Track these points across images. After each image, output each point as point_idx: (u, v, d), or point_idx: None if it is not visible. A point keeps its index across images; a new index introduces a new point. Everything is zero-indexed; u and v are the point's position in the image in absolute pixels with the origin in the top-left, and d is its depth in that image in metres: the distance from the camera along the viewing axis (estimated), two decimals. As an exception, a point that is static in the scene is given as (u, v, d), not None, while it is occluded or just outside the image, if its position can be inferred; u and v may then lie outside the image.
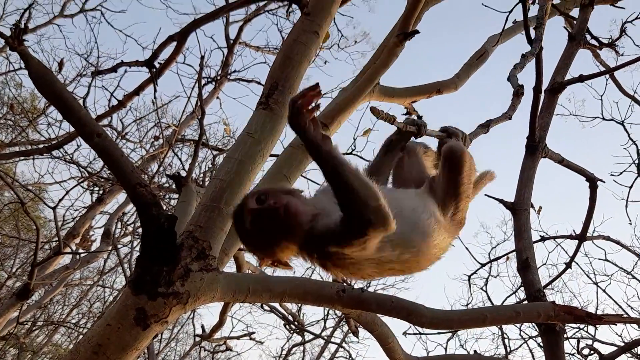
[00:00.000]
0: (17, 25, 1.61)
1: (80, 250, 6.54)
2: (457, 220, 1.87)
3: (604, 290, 7.68)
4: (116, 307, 1.66)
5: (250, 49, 8.75)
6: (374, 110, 1.77)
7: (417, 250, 1.65)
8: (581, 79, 2.57)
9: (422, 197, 1.76)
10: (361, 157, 5.82)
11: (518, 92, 2.70)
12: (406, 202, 1.67)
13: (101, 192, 7.02)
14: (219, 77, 7.08)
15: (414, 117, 1.97)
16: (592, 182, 2.62)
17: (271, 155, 2.26)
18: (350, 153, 5.60)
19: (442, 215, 1.78)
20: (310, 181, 5.10)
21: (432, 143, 2.22)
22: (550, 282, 3.36)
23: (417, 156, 2.00)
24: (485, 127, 2.39)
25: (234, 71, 7.59)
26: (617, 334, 7.89)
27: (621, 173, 5.32)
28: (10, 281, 9.00)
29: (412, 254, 1.65)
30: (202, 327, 4.08)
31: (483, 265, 3.90)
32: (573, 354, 5.77)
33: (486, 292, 6.76)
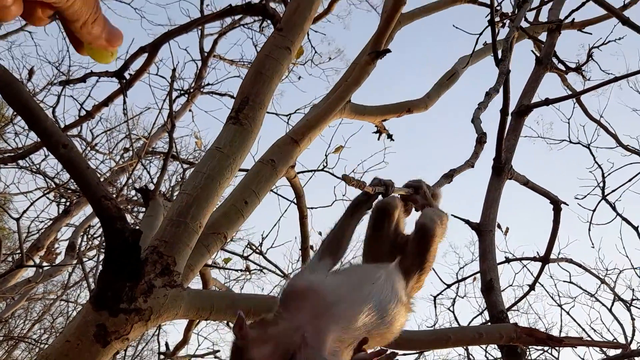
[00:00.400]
0: (-17, 33, 1.58)
1: (44, 264, 6.40)
2: (416, 287, 1.89)
3: (567, 313, 7.79)
4: (76, 322, 1.62)
5: (225, 62, 8.73)
6: (345, 178, 1.79)
7: (381, 337, 1.63)
8: (547, 102, 2.62)
9: (390, 275, 1.74)
10: (332, 174, 5.83)
11: (481, 140, 2.71)
12: (356, 276, 1.66)
13: (67, 204, 6.90)
14: (191, 90, 7.05)
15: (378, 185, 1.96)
16: (556, 204, 2.66)
17: (240, 170, 2.25)
18: (322, 170, 5.60)
19: (405, 290, 1.78)
20: (280, 196, 5.10)
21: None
22: (515, 304, 3.39)
23: (390, 222, 2.00)
24: (448, 177, 2.42)
25: (208, 84, 7.57)
26: (579, 357, 7.99)
27: (585, 196, 5.41)
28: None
29: (376, 341, 1.62)
30: (167, 344, 4.01)
31: (449, 285, 3.91)
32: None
33: (453, 312, 6.79)
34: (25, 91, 1.66)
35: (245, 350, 1.32)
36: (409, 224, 2.06)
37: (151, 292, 1.62)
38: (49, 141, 1.63)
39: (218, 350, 4.55)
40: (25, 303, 9.14)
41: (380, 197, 1.95)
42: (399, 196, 2.06)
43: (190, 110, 7.64)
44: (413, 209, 2.12)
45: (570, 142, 6.96)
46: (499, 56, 2.38)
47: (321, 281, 1.59)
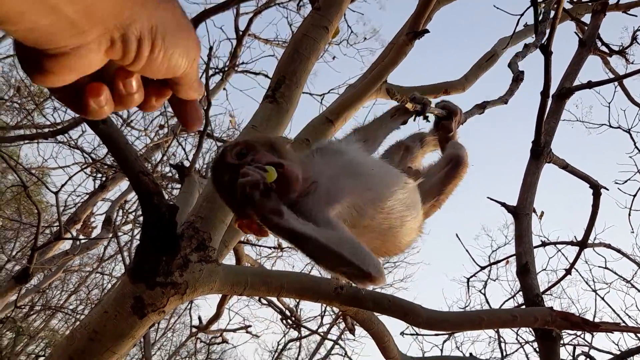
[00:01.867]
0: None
1: (81, 237, 6.54)
2: (426, 214, 1.88)
3: (602, 298, 7.69)
4: (114, 294, 1.66)
5: (259, 41, 8.73)
6: (389, 91, 1.77)
7: (397, 219, 1.59)
8: (589, 85, 2.55)
9: (414, 188, 1.74)
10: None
11: (518, 77, 2.70)
12: (390, 177, 1.64)
13: (104, 178, 7.02)
14: (226, 68, 7.07)
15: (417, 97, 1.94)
16: (596, 189, 2.60)
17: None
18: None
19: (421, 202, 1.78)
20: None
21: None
22: (549, 288, 3.34)
23: (408, 154, 1.99)
24: (481, 107, 2.40)
25: (242, 63, 7.59)
26: (613, 342, 7.89)
27: (625, 181, 5.30)
28: (10, 264, 9.03)
29: (393, 226, 1.58)
30: (199, 318, 4.09)
31: (482, 268, 3.88)
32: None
33: (484, 295, 6.76)
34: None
35: (284, 160, 1.38)
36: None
37: (187, 267, 1.65)
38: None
39: (249, 326, 4.61)
40: (62, 274, 9.38)
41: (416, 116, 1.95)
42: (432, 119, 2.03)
43: (224, 89, 7.68)
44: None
45: (610, 126, 6.81)
46: (542, 30, 2.33)
47: (357, 152, 1.62)
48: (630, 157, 5.86)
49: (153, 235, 1.63)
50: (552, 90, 2.44)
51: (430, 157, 2.12)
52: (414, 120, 2.00)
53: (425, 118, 2.82)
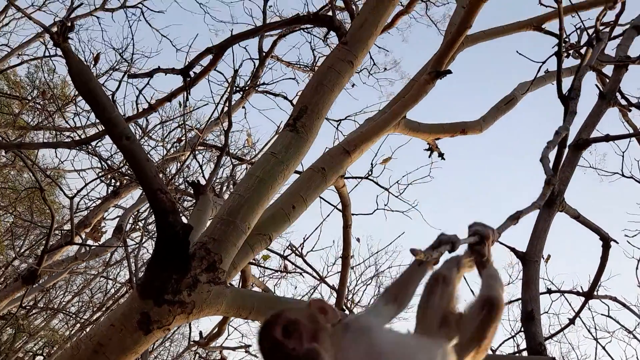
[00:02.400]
0: (64, 23, 1.66)
1: (90, 242, 6.58)
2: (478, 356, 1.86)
3: (603, 347, 7.57)
4: (121, 309, 1.68)
5: (281, 63, 8.82)
6: (413, 251, 1.76)
7: None
8: (607, 139, 2.57)
9: (445, 356, 1.73)
10: (377, 184, 5.83)
11: (550, 181, 2.64)
12: (415, 347, 1.65)
13: (117, 185, 7.08)
14: (247, 88, 7.14)
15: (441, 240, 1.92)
16: (606, 241, 2.60)
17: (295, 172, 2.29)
18: (367, 177, 5.61)
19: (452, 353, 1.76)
20: (323, 200, 5.14)
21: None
22: (552, 336, 3.32)
23: (447, 287, 1.96)
24: (514, 218, 2.35)
25: (263, 83, 7.65)
26: (613, 394, 7.77)
27: (635, 235, 5.25)
28: (17, 261, 9.09)
29: None
30: (200, 333, 4.09)
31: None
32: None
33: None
34: (95, 81, 1.74)
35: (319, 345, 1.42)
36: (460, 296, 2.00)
37: (196, 287, 1.67)
38: (113, 131, 1.70)
39: (250, 346, 4.60)
40: (66, 275, 9.41)
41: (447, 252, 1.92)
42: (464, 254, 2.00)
43: (243, 107, 7.74)
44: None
45: (623, 175, 6.78)
46: (567, 92, 2.34)
47: (382, 335, 1.62)
48: (642, 207, 5.81)
49: (165, 253, 1.65)
50: (570, 140, 2.46)
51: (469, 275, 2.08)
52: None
53: (440, 155, 2.84)
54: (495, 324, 1.79)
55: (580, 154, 2.66)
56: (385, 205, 5.97)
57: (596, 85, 2.93)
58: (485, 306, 1.78)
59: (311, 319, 1.52)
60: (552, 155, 2.39)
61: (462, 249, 1.98)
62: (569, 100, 2.27)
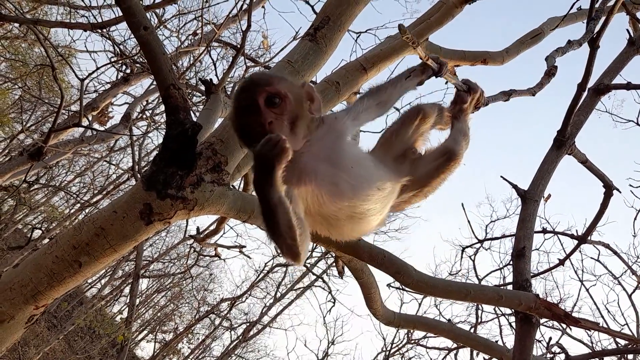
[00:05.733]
0: None
1: (97, 126, 6.61)
2: (402, 205, 1.86)
3: (587, 290, 7.79)
4: (125, 197, 1.71)
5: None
6: (401, 28, 1.70)
7: (353, 217, 1.62)
8: (628, 87, 2.52)
9: (393, 191, 1.72)
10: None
11: (550, 71, 2.64)
12: (364, 179, 1.63)
13: (128, 72, 7.02)
14: (269, -13, 6.94)
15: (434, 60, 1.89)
16: (609, 189, 2.61)
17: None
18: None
19: (398, 192, 1.76)
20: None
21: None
22: (540, 274, 3.41)
23: (422, 124, 1.94)
24: (507, 95, 2.35)
25: (286, -16, 7.42)
26: (587, 334, 8.05)
27: (639, 186, 5.27)
28: (22, 136, 9.15)
29: (344, 220, 1.62)
30: (197, 229, 4.19)
31: (480, 241, 3.94)
32: (541, 341, 5.90)
33: (474, 262, 6.84)
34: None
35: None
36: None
37: (199, 185, 1.69)
38: (131, 20, 1.67)
39: (244, 246, 4.72)
40: (70, 156, 9.51)
41: (432, 74, 1.90)
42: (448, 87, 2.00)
43: (263, 7, 7.55)
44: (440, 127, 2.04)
45: (637, 124, 6.70)
46: (595, 16, 2.27)
47: (348, 145, 1.62)
48: (651, 158, 5.78)
49: (173, 149, 1.66)
50: (591, 83, 2.42)
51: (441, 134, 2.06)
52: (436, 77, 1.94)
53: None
54: (445, 176, 1.82)
55: (599, 99, 2.62)
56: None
57: (627, 29, 2.83)
58: (445, 155, 1.82)
59: (298, 100, 1.55)
60: (568, 97, 2.36)
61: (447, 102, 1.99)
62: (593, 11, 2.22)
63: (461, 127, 1.93)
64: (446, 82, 2.22)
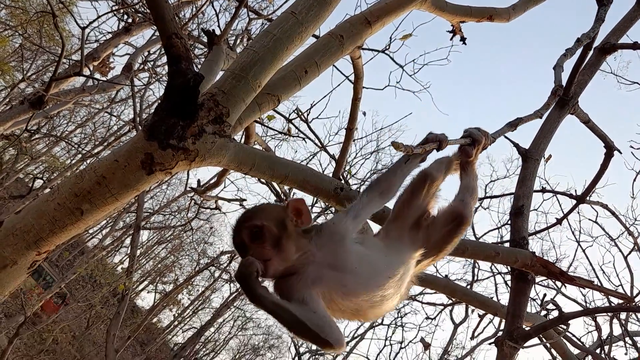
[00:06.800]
0: None
1: (98, 76, 6.55)
2: (422, 268, 1.93)
3: (583, 251, 7.85)
4: (126, 146, 1.71)
5: None
6: (394, 145, 1.72)
7: (371, 305, 1.72)
8: (635, 46, 2.50)
9: (407, 271, 1.79)
10: (392, 59, 5.73)
11: (556, 92, 2.56)
12: (373, 274, 1.71)
13: (130, 22, 6.92)
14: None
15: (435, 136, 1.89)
16: (610, 150, 2.61)
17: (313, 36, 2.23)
18: (383, 51, 5.50)
19: (414, 265, 1.83)
20: (336, 69, 5.07)
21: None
22: (537, 232, 3.43)
23: (431, 188, 1.96)
24: (513, 126, 2.32)
25: None
26: (581, 293, 8.16)
27: (640, 147, 5.25)
28: (22, 85, 9.10)
29: (364, 308, 1.72)
30: (198, 181, 4.20)
31: (480, 199, 3.95)
32: (535, 299, 5.99)
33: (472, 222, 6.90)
34: None
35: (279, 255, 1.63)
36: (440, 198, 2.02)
37: (201, 136, 1.69)
38: (134, -34, 1.64)
39: (245, 200, 4.75)
40: (71, 106, 9.47)
41: (435, 150, 1.92)
42: (444, 167, 2.01)
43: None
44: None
45: (641, 86, 6.65)
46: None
47: (351, 247, 1.69)
48: (654, 121, 5.77)
49: (175, 99, 1.66)
50: (597, 42, 2.39)
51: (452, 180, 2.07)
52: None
53: (462, 40, 2.76)
54: (457, 239, 1.90)
55: (604, 58, 2.59)
56: (397, 82, 5.91)
57: (637, -12, 2.79)
58: (454, 220, 1.87)
59: (280, 224, 1.67)
60: (573, 59, 2.34)
61: (452, 150, 2.01)
62: (603, 4, 2.18)
63: (468, 182, 1.98)
64: (453, 36, 2.19)
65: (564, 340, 2.89)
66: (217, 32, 2.78)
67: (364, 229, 1.96)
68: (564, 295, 6.92)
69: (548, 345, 3.11)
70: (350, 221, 1.74)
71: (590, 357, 3.57)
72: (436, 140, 1.87)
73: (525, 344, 2.18)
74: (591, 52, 2.30)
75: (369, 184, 1.89)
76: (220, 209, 4.83)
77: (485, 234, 6.87)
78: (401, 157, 1.88)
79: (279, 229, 1.66)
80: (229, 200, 4.83)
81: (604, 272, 8.40)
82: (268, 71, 1.86)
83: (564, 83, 2.47)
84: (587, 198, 2.81)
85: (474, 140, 2.00)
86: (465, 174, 2.00)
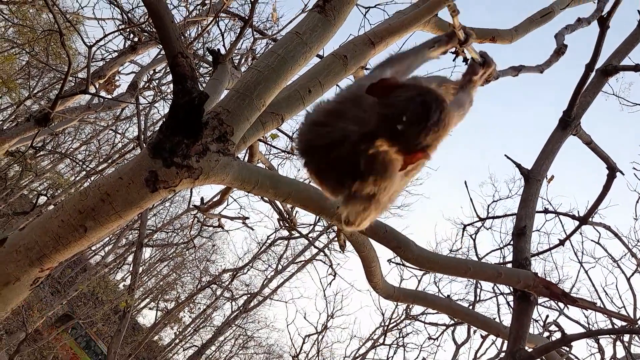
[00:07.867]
0: None
1: (104, 93, 6.60)
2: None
3: (586, 272, 7.82)
4: (131, 164, 1.72)
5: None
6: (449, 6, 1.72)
7: None
8: (637, 68, 2.51)
9: None
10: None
11: (559, 50, 2.62)
12: None
13: (136, 40, 6.99)
14: (279, -42, 6.86)
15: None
16: (612, 171, 2.61)
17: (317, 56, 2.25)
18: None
19: None
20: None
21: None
22: (540, 253, 3.43)
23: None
24: (516, 70, 2.36)
25: (295, -45, 7.35)
26: (584, 315, 8.11)
27: (644, 170, 5.25)
28: (28, 102, 9.16)
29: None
30: (202, 199, 4.22)
31: (482, 220, 3.95)
32: (537, 321, 5.95)
33: (474, 240, 6.87)
34: None
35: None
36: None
37: (205, 154, 1.71)
38: (141, -14, 1.67)
39: (247, 218, 4.75)
40: (76, 123, 9.53)
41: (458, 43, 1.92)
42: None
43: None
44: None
45: (644, 108, 6.67)
46: (603, 7, 2.26)
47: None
48: (656, 142, 5.78)
49: (179, 118, 1.67)
50: (599, 64, 2.41)
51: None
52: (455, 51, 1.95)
53: (465, 60, 2.79)
54: (440, 135, 1.81)
55: (606, 80, 2.61)
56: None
57: (638, 10, 2.81)
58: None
59: None
60: (575, 78, 2.36)
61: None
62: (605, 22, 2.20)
63: (461, 96, 1.92)
64: (456, 57, 2.22)
65: (567, 362, 2.87)
66: (222, 51, 2.81)
67: None
68: (566, 316, 6.87)
69: (551, 367, 3.09)
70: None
71: (593, 379, 3.54)
72: (466, 33, 1.85)
73: (528, 366, 2.17)
74: (593, 74, 2.31)
75: (389, 58, 1.85)
76: (223, 227, 4.83)
77: (487, 254, 6.88)
78: (425, 42, 1.87)
79: None
80: (232, 218, 4.83)
81: (606, 294, 8.34)
82: (272, 90, 1.88)
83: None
84: (590, 219, 2.80)
85: (485, 61, 2.00)
86: (462, 92, 1.97)
